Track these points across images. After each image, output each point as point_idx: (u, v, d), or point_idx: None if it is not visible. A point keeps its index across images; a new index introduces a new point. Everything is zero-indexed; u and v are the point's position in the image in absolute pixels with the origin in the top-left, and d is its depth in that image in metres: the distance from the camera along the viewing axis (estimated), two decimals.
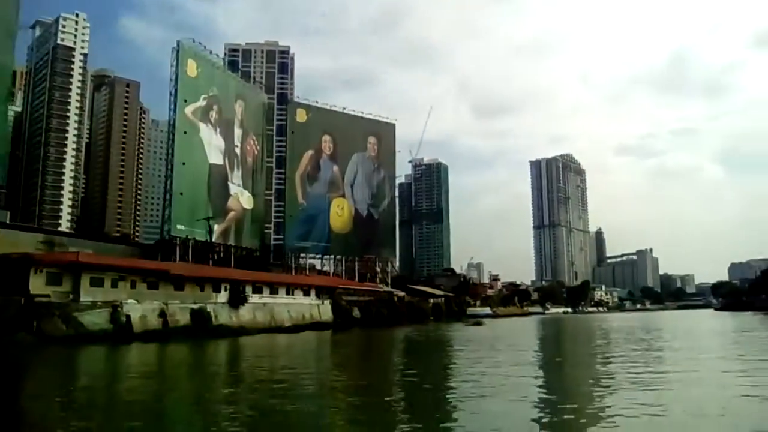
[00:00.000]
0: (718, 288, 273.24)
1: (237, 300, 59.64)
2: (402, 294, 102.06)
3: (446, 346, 44.89)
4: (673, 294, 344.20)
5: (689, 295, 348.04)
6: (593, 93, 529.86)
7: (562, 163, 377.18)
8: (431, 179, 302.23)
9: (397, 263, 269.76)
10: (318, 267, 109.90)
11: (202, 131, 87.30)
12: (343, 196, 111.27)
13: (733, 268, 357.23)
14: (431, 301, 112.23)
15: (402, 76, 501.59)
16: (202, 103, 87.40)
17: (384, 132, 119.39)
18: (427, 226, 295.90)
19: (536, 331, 71.32)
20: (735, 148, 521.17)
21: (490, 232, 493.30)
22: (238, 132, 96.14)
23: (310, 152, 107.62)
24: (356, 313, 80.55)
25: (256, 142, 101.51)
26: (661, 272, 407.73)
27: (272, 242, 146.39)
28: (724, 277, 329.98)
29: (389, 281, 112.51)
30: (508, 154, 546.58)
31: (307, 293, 73.27)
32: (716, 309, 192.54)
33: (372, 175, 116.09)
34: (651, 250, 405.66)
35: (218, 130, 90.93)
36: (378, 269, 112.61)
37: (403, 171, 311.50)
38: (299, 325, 65.72)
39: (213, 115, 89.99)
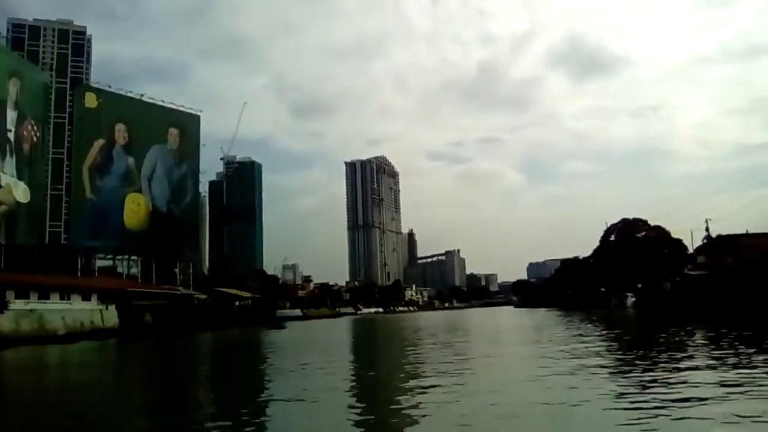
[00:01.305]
0: (517, 286, 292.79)
1: None
2: (204, 297, 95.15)
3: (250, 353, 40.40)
4: (478, 292, 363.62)
5: (493, 293, 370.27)
6: (407, 98, 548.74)
7: (377, 165, 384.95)
8: (244, 178, 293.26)
9: (207, 264, 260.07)
10: (120, 270, 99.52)
11: None
12: (140, 191, 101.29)
13: (531, 267, 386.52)
14: (237, 303, 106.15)
15: (215, 70, 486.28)
16: None
17: (187, 124, 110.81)
18: (239, 226, 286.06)
19: (342, 332, 68.73)
20: (533, 157, 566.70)
21: (307, 234, 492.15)
22: (11, 115, 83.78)
23: (100, 141, 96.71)
24: (148, 318, 72.78)
25: (35, 128, 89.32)
26: (467, 272, 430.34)
27: (63, 241, 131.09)
28: (524, 275, 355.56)
29: (191, 283, 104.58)
30: (326, 155, 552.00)
31: (87, 297, 64.57)
32: (515, 306, 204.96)
33: (173, 169, 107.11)
34: (459, 250, 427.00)
35: None
36: (177, 271, 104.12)
37: (215, 169, 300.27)
38: (76, 333, 57.34)
39: None
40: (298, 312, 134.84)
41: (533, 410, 13.64)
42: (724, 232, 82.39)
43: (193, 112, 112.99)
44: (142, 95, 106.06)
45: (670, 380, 16.93)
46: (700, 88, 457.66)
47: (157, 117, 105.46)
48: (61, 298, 60.53)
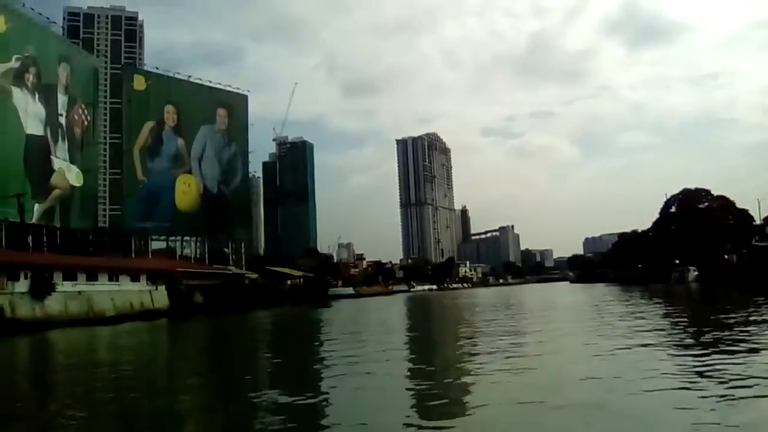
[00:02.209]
0: (573, 261, 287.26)
1: (41, 288, 50.70)
2: (255, 276, 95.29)
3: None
4: (533, 268, 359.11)
5: (548, 268, 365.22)
6: (458, 74, 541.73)
7: (428, 142, 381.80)
8: (296, 158, 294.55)
9: (262, 244, 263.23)
10: (181, 251, 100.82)
11: (16, 97, 75.65)
12: (190, 172, 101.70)
13: (587, 242, 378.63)
14: (289, 282, 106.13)
15: (267, 52, 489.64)
16: (14, 64, 75.59)
17: (235, 104, 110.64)
18: (293, 206, 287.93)
19: (392, 312, 67.39)
20: (587, 130, 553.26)
21: (361, 212, 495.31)
22: (62, 99, 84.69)
23: (150, 124, 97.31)
24: (198, 298, 73.11)
25: (86, 112, 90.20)
26: (522, 248, 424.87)
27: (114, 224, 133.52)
28: (580, 251, 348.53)
29: (243, 263, 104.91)
30: (377, 134, 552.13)
31: (136, 278, 64.90)
32: (572, 282, 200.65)
33: (222, 149, 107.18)
34: (513, 226, 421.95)
35: (37, 96, 79.40)
36: (229, 251, 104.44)
37: (268, 150, 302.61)
38: (126, 314, 57.62)
39: (30, 78, 78.23)
40: (350, 290, 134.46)
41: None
42: None
43: (240, 92, 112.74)
44: (189, 76, 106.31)
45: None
46: (763, 53, 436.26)
47: (204, 98, 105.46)
48: (110, 280, 60.79)
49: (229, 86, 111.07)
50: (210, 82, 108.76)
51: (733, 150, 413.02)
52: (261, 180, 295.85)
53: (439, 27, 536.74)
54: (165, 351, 34.09)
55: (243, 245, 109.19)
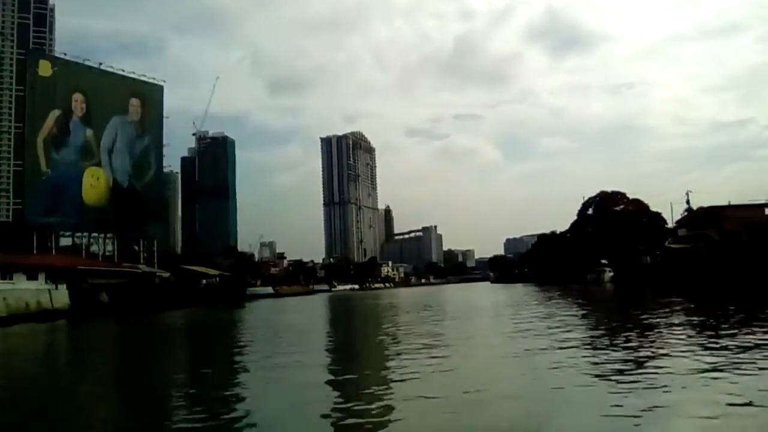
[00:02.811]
0: (494, 262, 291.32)
1: None
2: (167, 275, 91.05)
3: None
4: (455, 268, 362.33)
5: (470, 269, 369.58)
6: (385, 74, 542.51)
7: (353, 141, 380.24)
8: (217, 154, 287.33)
9: (179, 242, 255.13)
10: (94, 249, 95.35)
11: None
12: (100, 164, 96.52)
13: (508, 243, 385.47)
14: (204, 281, 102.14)
15: (190, 44, 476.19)
16: None
17: (150, 94, 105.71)
18: (212, 204, 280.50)
19: (310, 313, 65.50)
20: (510, 133, 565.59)
21: (285, 211, 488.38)
22: None
23: (56, 112, 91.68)
24: (104, 298, 68.79)
25: None
26: (444, 248, 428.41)
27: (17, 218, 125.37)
28: (501, 251, 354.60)
29: (156, 261, 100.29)
30: (303, 132, 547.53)
31: (33, 276, 60.31)
32: (492, 282, 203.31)
33: (135, 142, 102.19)
34: (436, 227, 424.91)
35: None
36: (139, 248, 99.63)
37: (188, 145, 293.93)
38: (20, 315, 53.22)
39: None
40: (269, 290, 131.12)
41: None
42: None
43: (155, 82, 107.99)
44: (100, 64, 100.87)
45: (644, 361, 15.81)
46: (676, 65, 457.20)
47: (117, 87, 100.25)
48: (2, 278, 56.19)
49: (144, 76, 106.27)
50: (123, 70, 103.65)
51: (646, 157, 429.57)
52: (179, 176, 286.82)
53: (368, 26, 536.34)
54: (51, 355, 31.03)
55: (156, 242, 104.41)
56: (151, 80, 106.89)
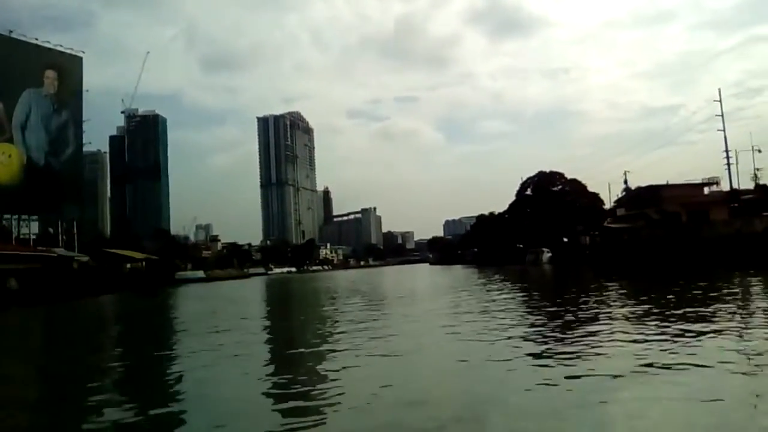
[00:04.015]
0: (433, 243, 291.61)
1: None
2: (86, 259, 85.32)
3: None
4: (394, 250, 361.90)
5: (409, 250, 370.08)
6: (325, 55, 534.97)
7: (291, 121, 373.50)
8: (147, 133, 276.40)
9: (109, 225, 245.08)
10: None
11: None
12: (11, 141, 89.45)
13: (447, 225, 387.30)
14: (128, 266, 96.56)
15: (121, 19, 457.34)
16: None
17: (67, 66, 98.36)
18: (143, 185, 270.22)
19: (246, 296, 61.69)
20: (450, 116, 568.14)
21: (221, 193, 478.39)
22: None
23: None
24: (13, 284, 63.11)
25: None
26: (384, 230, 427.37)
27: None
28: (441, 233, 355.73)
29: (76, 244, 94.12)
30: (241, 112, 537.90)
31: None
32: (431, 263, 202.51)
33: (51, 117, 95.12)
34: (375, 208, 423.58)
35: None
36: (59, 231, 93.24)
37: (116, 123, 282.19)
38: None
39: None
40: (200, 274, 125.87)
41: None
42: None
43: (74, 52, 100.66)
44: (10, 32, 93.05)
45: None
46: (611, 51, 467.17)
47: (30, 57, 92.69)
48: None
49: (60, 46, 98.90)
50: (37, 39, 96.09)
51: (581, 140, 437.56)
52: (107, 156, 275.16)
53: (308, 5, 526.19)
54: None
55: (76, 224, 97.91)
56: (68, 50, 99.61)
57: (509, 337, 16.47)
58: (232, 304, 46.87)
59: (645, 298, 26.45)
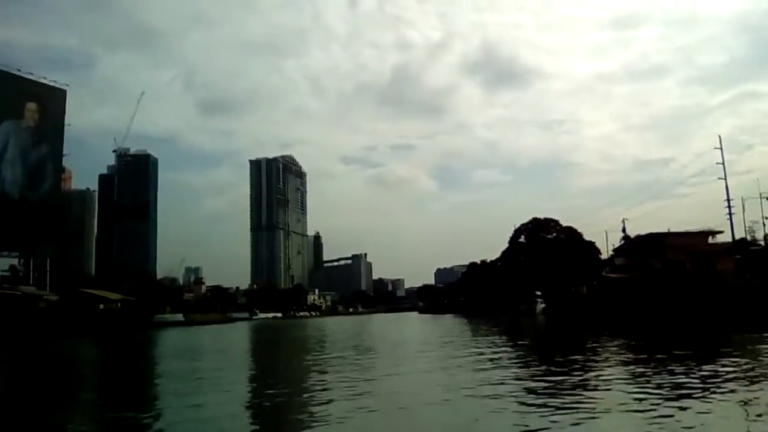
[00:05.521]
0: (423, 291, 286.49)
1: None
2: (55, 298, 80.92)
3: None
4: (384, 297, 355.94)
5: (399, 298, 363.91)
6: (321, 101, 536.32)
7: (283, 165, 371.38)
8: (138, 172, 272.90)
9: (93, 263, 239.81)
10: None
11: None
12: None
13: (439, 273, 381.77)
14: (101, 306, 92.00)
15: (121, 61, 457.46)
16: None
17: (49, 98, 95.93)
18: (131, 224, 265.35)
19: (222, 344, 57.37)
20: (445, 164, 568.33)
21: (213, 235, 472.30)
22: None
23: None
24: None
25: None
26: (375, 277, 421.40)
27: None
28: (432, 281, 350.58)
29: (48, 283, 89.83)
30: (236, 156, 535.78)
31: None
32: (420, 312, 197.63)
33: (29, 150, 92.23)
34: (365, 254, 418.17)
35: None
36: (30, 268, 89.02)
37: (107, 162, 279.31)
38: None
39: None
40: (179, 317, 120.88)
41: None
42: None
43: (57, 85, 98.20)
44: None
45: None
46: (604, 104, 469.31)
47: (10, 88, 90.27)
48: None
49: (44, 78, 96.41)
50: (19, 70, 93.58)
51: (574, 191, 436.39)
52: (96, 194, 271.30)
53: (305, 52, 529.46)
54: None
55: (49, 262, 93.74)
56: (52, 83, 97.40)
57: None
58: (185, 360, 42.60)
59: (648, 371, 20.55)
